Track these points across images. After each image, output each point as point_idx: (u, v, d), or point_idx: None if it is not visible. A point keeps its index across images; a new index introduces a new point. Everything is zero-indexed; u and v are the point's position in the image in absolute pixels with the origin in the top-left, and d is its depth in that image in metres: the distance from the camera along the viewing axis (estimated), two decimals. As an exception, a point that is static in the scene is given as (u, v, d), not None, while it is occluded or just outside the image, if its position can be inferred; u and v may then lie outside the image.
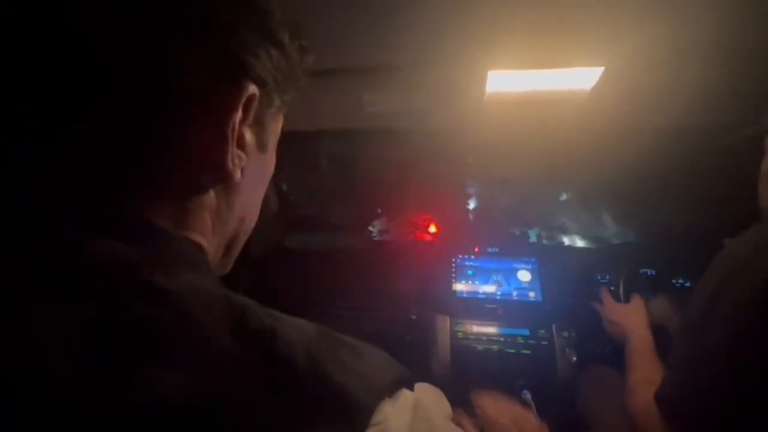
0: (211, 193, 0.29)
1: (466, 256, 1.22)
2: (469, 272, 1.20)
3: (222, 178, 0.28)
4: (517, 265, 1.19)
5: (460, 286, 1.18)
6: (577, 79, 0.72)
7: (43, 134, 0.24)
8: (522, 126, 0.85)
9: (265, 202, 0.37)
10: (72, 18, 0.24)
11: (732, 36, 0.60)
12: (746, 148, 0.63)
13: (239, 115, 0.27)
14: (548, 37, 0.63)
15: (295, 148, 0.84)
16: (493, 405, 0.76)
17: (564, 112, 0.79)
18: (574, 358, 1.05)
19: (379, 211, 1.31)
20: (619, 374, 0.98)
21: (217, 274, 0.33)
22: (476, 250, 1.23)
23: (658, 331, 0.86)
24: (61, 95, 0.24)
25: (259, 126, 0.30)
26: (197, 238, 0.28)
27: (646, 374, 0.73)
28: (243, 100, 0.27)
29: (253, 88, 0.27)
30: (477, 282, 1.18)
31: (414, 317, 1.20)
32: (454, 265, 1.21)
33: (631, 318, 0.90)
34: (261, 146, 0.31)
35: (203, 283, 0.24)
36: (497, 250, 1.22)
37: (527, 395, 0.99)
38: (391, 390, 0.25)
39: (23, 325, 0.19)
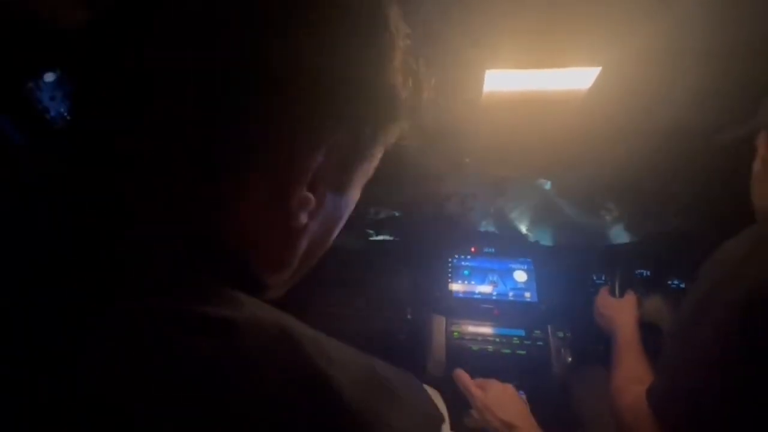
0: (277, 231, 0.28)
1: (463, 256, 1.22)
2: (466, 272, 1.20)
3: (285, 220, 0.27)
4: (513, 266, 1.19)
5: (456, 286, 1.18)
6: (575, 79, 0.72)
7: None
8: (519, 125, 0.85)
9: None
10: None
11: (727, 37, 0.61)
12: (742, 148, 0.63)
13: (318, 161, 0.26)
14: (546, 37, 0.63)
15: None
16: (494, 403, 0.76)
17: (561, 112, 0.79)
18: (569, 359, 1.05)
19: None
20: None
21: (278, 295, 0.33)
22: (473, 249, 1.23)
23: (651, 330, 0.86)
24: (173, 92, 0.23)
25: (342, 170, 0.29)
26: (259, 267, 0.28)
27: (631, 371, 0.73)
28: (324, 147, 0.26)
29: (340, 136, 0.26)
30: (473, 282, 1.18)
31: (409, 317, 1.19)
32: (450, 264, 1.21)
33: (622, 312, 0.90)
34: (340, 191, 0.30)
35: (263, 312, 0.23)
36: (494, 250, 1.23)
37: (522, 396, 0.99)
38: None
39: (82, 354, 0.19)
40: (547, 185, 1.12)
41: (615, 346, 0.82)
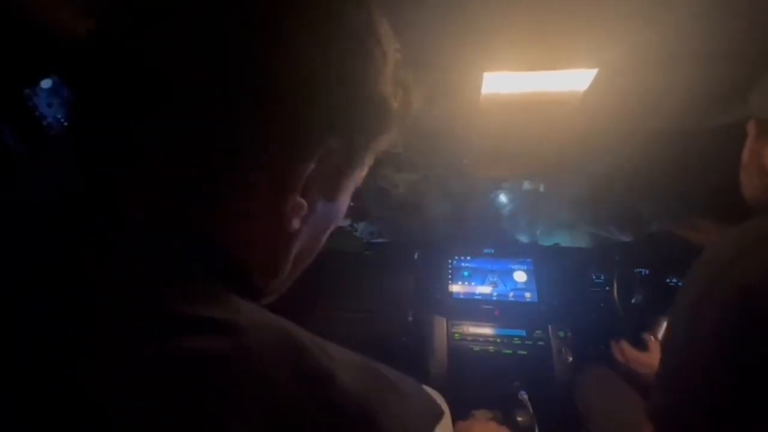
0: (270, 235, 0.28)
1: (463, 258, 1.22)
2: (466, 273, 1.20)
3: (278, 225, 0.28)
4: (513, 266, 1.20)
5: (456, 288, 1.18)
6: (572, 80, 0.73)
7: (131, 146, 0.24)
8: (518, 127, 0.85)
9: None
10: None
11: (721, 40, 0.61)
12: (737, 146, 0.64)
13: (311, 166, 0.27)
14: (543, 40, 0.64)
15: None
16: None
17: (559, 114, 0.80)
18: (570, 359, 1.06)
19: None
20: (615, 373, 0.99)
21: (270, 300, 0.34)
22: (473, 251, 1.23)
23: None
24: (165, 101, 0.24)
25: (333, 178, 0.30)
26: (254, 271, 0.28)
27: None
28: (318, 155, 0.26)
29: (333, 144, 0.27)
30: (473, 283, 1.18)
31: (411, 319, 1.19)
32: (450, 266, 1.21)
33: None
34: (330, 197, 0.31)
35: (263, 315, 0.24)
36: (493, 251, 1.23)
37: (524, 396, 1.00)
38: (429, 430, 0.27)
39: (85, 357, 0.19)
40: (541, 188, 1.12)
41: None
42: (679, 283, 1.08)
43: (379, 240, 1.40)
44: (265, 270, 0.29)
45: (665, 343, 0.57)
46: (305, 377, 0.22)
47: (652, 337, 0.95)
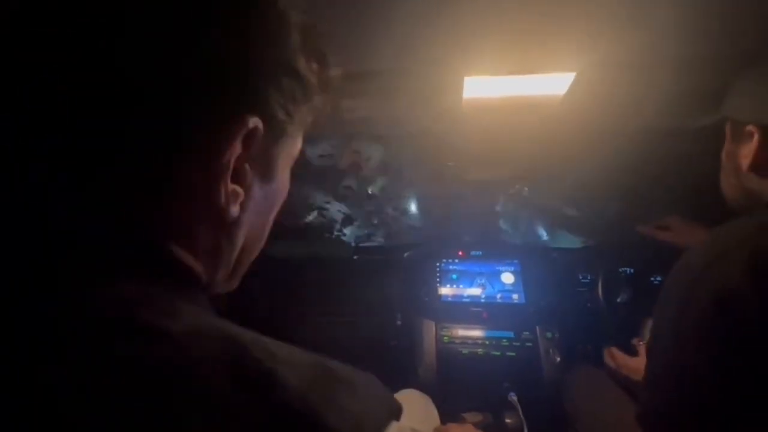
0: (211, 227, 0.28)
1: (451, 260, 1.23)
2: (454, 276, 1.20)
3: (217, 215, 0.27)
4: (500, 268, 1.20)
5: (445, 290, 1.19)
6: (551, 84, 0.74)
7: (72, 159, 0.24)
8: (499, 130, 0.86)
9: None
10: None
11: (698, 44, 0.63)
12: (717, 146, 0.65)
13: (237, 151, 0.26)
14: (522, 45, 0.65)
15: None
16: None
17: (539, 117, 0.81)
18: (558, 359, 1.07)
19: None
20: (603, 373, 0.99)
21: (224, 291, 0.33)
22: (460, 253, 1.24)
23: None
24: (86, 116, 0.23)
25: (264, 158, 0.29)
26: (198, 267, 0.28)
27: None
28: (240, 136, 0.26)
29: (254, 122, 0.26)
30: (462, 285, 1.19)
31: (399, 323, 1.20)
32: (438, 269, 1.21)
33: None
34: (266, 178, 0.30)
35: (204, 319, 0.24)
36: (481, 253, 1.24)
37: (513, 397, 1.00)
38: (382, 427, 0.26)
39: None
40: (525, 191, 1.14)
41: None
42: (663, 281, 1.09)
43: (368, 244, 1.40)
44: (208, 262, 0.29)
45: (650, 344, 0.58)
46: (244, 380, 0.21)
47: (641, 342, 0.95)
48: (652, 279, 1.11)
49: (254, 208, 0.30)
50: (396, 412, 0.28)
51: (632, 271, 1.12)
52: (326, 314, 1.23)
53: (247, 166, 0.28)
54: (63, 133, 0.24)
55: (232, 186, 0.27)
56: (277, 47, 0.27)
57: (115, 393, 0.19)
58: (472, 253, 1.24)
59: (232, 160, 0.26)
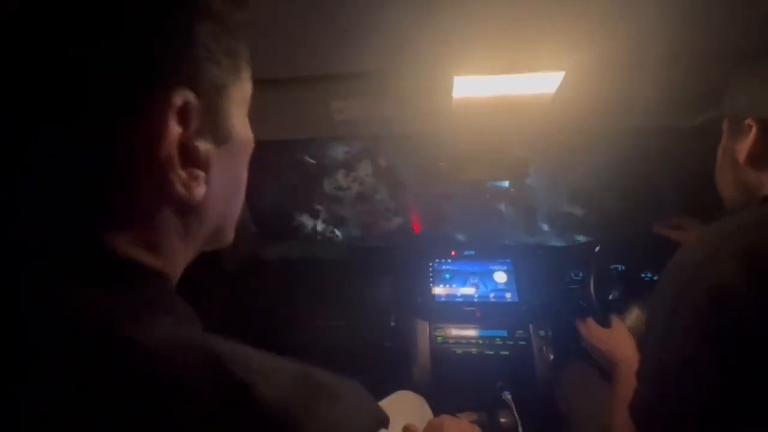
0: (174, 214, 0.27)
1: (443, 260, 1.22)
2: (447, 276, 1.20)
3: (179, 203, 0.26)
4: (493, 267, 1.21)
5: (438, 290, 1.18)
6: (541, 83, 0.74)
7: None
8: (490, 129, 0.86)
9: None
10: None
11: (687, 42, 0.63)
12: (707, 144, 0.65)
13: (175, 133, 0.24)
14: (511, 44, 0.64)
15: (263, 156, 0.82)
16: None
17: (530, 116, 0.81)
18: (552, 357, 1.07)
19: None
20: (596, 370, 1.00)
21: (221, 247, 0.33)
22: (453, 253, 1.24)
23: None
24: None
25: (212, 123, 0.27)
26: (167, 266, 0.27)
27: None
28: (173, 117, 0.24)
29: (180, 97, 0.24)
30: (455, 285, 1.19)
31: (393, 324, 1.19)
32: (431, 269, 1.21)
33: (620, 346, 0.83)
34: (224, 139, 0.28)
35: (178, 331, 0.23)
36: (473, 252, 1.24)
37: (507, 396, 1.00)
38: None
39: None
40: (515, 189, 1.13)
41: (618, 379, 0.75)
42: (654, 278, 1.10)
43: (360, 245, 1.39)
44: (181, 247, 0.28)
45: (644, 341, 0.58)
46: (221, 391, 0.21)
47: (617, 318, 0.94)
48: (643, 275, 1.12)
49: (221, 175, 0.29)
50: (383, 422, 0.27)
51: (623, 268, 1.13)
52: (320, 317, 1.23)
53: (196, 143, 0.26)
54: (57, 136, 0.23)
55: (187, 170, 0.26)
56: (188, 10, 0.25)
57: (89, 410, 0.19)
58: (465, 252, 1.23)
59: (174, 145, 0.25)
